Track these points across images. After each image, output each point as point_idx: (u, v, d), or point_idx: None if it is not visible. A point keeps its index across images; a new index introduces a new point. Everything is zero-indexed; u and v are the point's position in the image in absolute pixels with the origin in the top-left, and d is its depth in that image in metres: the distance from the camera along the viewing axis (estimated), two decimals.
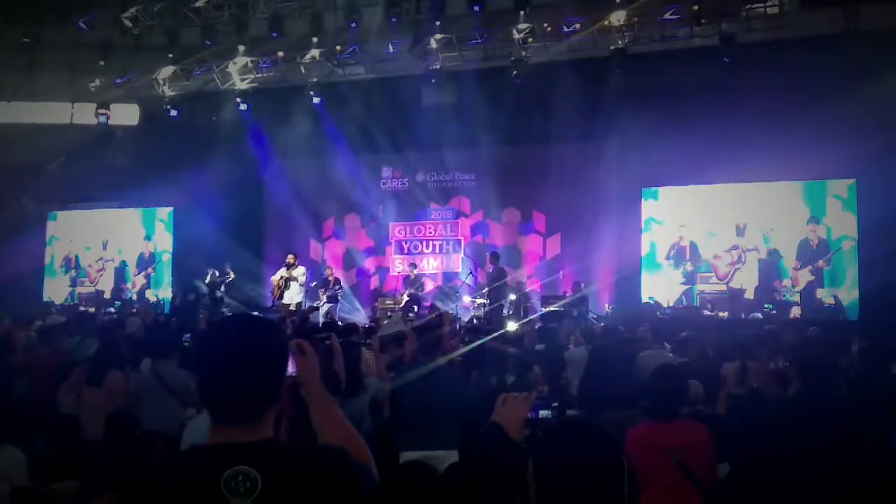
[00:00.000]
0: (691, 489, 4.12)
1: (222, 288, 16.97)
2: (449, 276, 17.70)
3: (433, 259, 18.05)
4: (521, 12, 15.40)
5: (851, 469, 3.93)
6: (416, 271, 16.76)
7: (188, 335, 9.60)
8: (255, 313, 14.27)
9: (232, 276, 17.15)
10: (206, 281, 17.10)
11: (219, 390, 2.02)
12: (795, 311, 14.46)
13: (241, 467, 1.90)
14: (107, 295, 19.57)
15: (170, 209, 19.55)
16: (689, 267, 15.54)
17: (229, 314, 12.95)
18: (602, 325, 12.18)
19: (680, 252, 15.70)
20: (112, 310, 17.21)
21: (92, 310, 17.99)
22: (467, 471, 3.06)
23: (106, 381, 6.75)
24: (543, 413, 2.69)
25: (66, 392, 7.43)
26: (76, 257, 20.28)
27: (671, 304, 15.27)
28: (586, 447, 2.18)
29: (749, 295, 14.97)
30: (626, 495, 2.16)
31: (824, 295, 14.55)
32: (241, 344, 2.05)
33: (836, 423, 4.02)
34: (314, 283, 16.51)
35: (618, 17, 14.85)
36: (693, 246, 15.59)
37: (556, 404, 2.64)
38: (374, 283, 18.48)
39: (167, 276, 19.44)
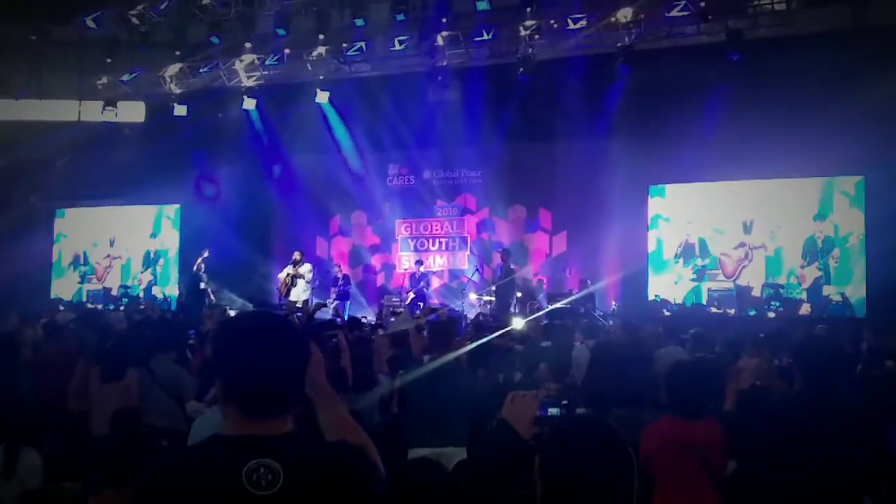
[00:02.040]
0: (710, 487, 4.11)
1: (204, 279, 16.82)
2: (455, 274, 17.70)
3: (439, 256, 18.06)
4: (528, 9, 15.37)
5: (855, 467, 3.92)
6: (422, 268, 16.78)
7: (193, 332, 9.59)
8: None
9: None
10: (192, 274, 16.94)
11: (246, 385, 2.01)
12: (805, 309, 14.41)
13: (263, 460, 1.89)
14: (114, 292, 19.64)
15: (177, 206, 19.61)
16: (699, 263, 15.50)
17: (249, 311, 12.92)
18: (611, 322, 12.16)
19: (688, 249, 15.66)
20: (121, 307, 17.24)
21: (100, 307, 18.07)
22: (476, 468, 3.06)
23: (125, 378, 6.74)
24: (552, 411, 2.70)
25: (72, 389, 7.41)
26: (84, 254, 20.36)
27: (678, 302, 15.24)
28: (592, 444, 2.18)
29: (756, 292, 14.94)
30: (637, 493, 2.15)
31: (832, 292, 14.50)
32: (270, 339, 2.05)
33: (840, 421, 4.01)
34: (318, 281, 16.55)
35: (624, 14, 14.79)
36: (702, 243, 15.55)
37: (565, 402, 2.64)
38: (381, 280, 18.49)
39: (174, 274, 19.50)
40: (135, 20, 17.57)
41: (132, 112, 18.96)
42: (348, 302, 16.46)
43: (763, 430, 4.34)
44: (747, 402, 5.75)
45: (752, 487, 4.26)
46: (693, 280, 15.55)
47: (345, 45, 16.76)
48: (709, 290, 15.30)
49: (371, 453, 2.19)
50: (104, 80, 18.35)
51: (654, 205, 16.09)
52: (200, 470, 1.92)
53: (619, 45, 15.04)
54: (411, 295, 16.05)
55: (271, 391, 2.01)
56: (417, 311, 13.50)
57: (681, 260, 15.72)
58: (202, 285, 16.64)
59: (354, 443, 2.16)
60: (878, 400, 5.25)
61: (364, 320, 13.47)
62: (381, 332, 10.31)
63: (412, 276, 16.78)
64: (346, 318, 13.61)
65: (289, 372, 2.05)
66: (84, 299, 19.62)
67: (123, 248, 20.05)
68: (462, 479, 3.06)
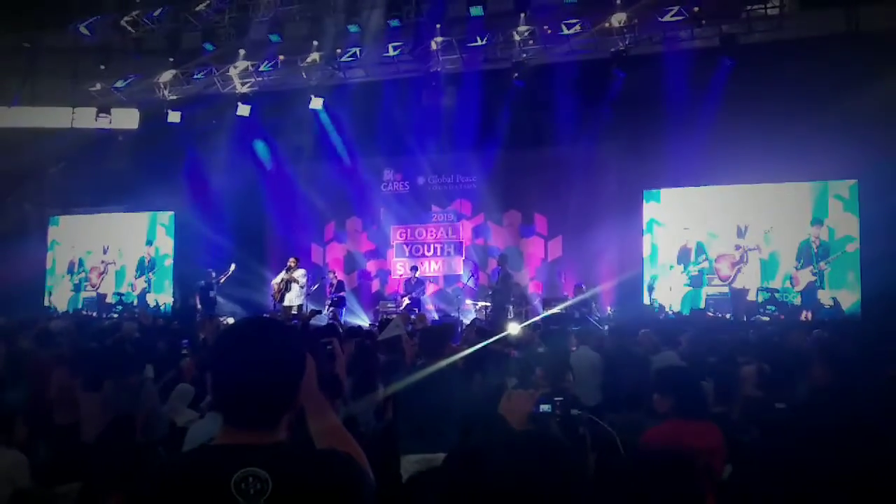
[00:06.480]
0: (710, 492, 4.08)
1: (215, 289, 16.81)
2: (450, 279, 17.70)
3: (434, 262, 18.05)
4: (522, 14, 15.41)
5: (841, 473, 3.90)
6: (417, 274, 16.77)
7: (186, 341, 9.53)
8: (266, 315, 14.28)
9: (233, 268, 16.81)
10: (203, 283, 16.90)
11: (237, 394, 2.00)
12: (806, 315, 14.38)
13: (252, 469, 1.88)
14: (108, 299, 19.60)
15: (171, 213, 19.58)
16: (694, 268, 15.50)
17: (248, 317, 12.84)
18: (607, 327, 12.15)
19: (684, 253, 15.67)
20: (114, 314, 17.18)
21: (94, 314, 18.01)
22: (468, 458, 3.10)
23: (103, 389, 6.72)
24: (544, 407, 2.76)
25: (54, 399, 7.35)
26: (79, 261, 20.30)
27: (673, 307, 15.24)
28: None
29: (752, 296, 14.94)
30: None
31: (825, 296, 14.52)
32: (261, 348, 2.03)
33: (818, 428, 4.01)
34: (315, 287, 16.51)
35: (618, 19, 14.84)
36: (698, 246, 15.57)
37: (559, 399, 2.66)
38: (376, 286, 18.48)
39: (168, 280, 19.46)
40: (128, 27, 17.60)
41: (126, 119, 18.92)
42: (344, 308, 16.45)
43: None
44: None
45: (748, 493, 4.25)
46: (688, 285, 15.56)
47: (339, 50, 16.78)
48: (707, 294, 15.31)
49: (361, 461, 2.17)
50: (98, 86, 18.32)
51: (649, 209, 16.11)
52: (190, 478, 1.91)
53: (612, 49, 15.06)
54: (406, 301, 16.03)
55: (260, 401, 2.00)
56: (413, 317, 13.50)
57: (676, 264, 15.73)
58: (211, 293, 16.61)
59: (344, 451, 2.14)
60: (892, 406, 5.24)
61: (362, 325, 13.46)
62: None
63: (407, 281, 16.77)
64: (342, 324, 13.59)
65: (279, 382, 2.03)
66: (79, 306, 19.58)
67: (118, 255, 20.01)
68: (453, 467, 3.08)
